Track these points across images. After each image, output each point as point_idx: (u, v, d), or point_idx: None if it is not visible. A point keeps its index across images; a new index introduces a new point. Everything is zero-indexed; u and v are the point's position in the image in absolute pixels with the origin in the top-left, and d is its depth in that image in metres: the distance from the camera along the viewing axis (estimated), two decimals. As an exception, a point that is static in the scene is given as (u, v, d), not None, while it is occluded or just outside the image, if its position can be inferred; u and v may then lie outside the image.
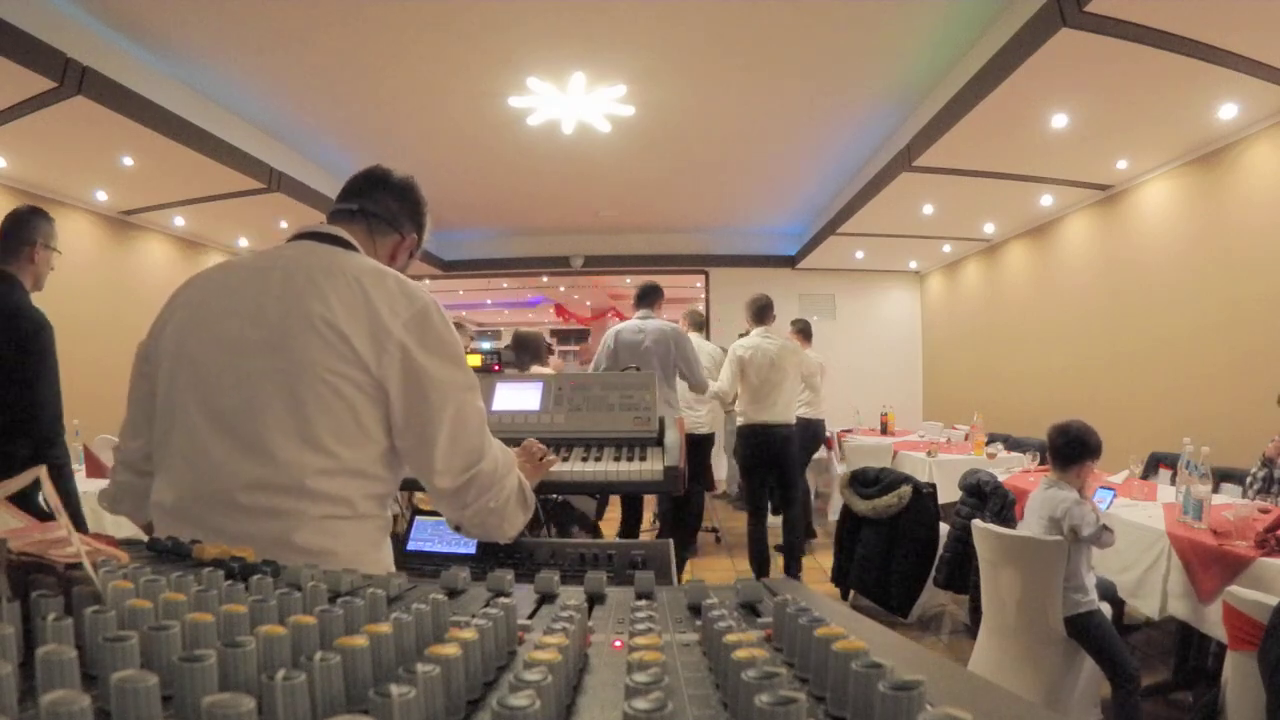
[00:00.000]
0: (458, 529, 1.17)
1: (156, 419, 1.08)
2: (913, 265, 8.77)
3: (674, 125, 5.16)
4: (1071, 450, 2.56)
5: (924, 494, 3.67)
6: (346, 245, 1.14)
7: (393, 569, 1.15)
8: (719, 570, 4.88)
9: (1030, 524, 2.59)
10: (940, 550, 3.51)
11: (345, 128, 5.17)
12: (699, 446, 4.91)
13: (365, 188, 1.23)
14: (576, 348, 13.92)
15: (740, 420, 4.55)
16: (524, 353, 3.66)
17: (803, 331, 5.69)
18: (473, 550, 1.61)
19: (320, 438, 0.99)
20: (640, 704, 0.30)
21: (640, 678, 0.34)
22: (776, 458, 4.41)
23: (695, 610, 0.57)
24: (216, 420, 1.01)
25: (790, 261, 8.68)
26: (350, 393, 1.01)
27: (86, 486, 3.43)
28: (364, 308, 1.02)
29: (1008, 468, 4.27)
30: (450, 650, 0.36)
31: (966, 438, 5.70)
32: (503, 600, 0.50)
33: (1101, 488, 2.79)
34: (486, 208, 7.57)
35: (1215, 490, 2.97)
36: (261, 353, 1.01)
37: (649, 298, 4.26)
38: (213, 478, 1.00)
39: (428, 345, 1.05)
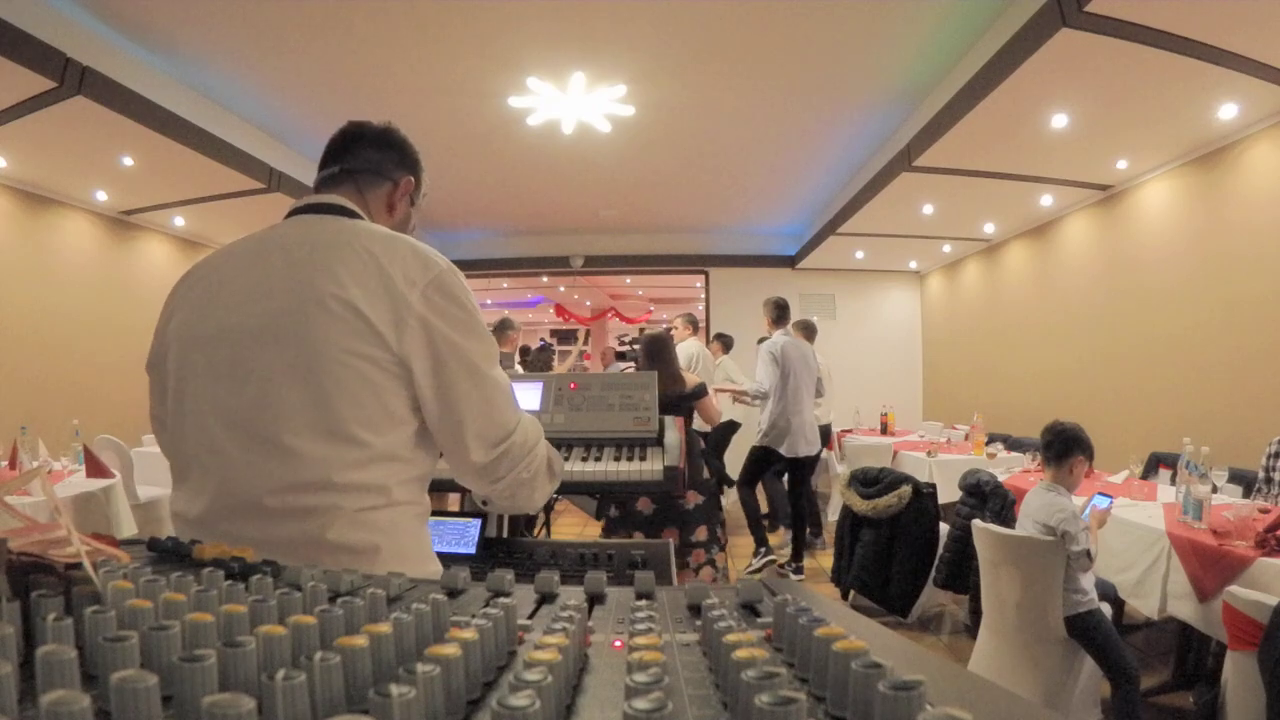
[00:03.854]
0: (485, 503, 1.14)
1: (170, 425, 1.02)
2: (913, 265, 8.78)
3: (674, 125, 5.16)
4: (1064, 445, 2.57)
5: (924, 494, 3.67)
6: (347, 213, 1.07)
7: (434, 557, 1.10)
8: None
9: (1025, 525, 2.59)
10: (940, 550, 3.51)
11: (345, 128, 5.17)
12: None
13: (342, 147, 1.15)
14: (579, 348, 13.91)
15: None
16: (657, 359, 3.41)
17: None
18: (473, 550, 1.61)
19: (347, 427, 0.92)
20: (640, 704, 0.30)
21: (640, 678, 0.34)
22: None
23: (695, 610, 0.57)
24: (232, 422, 0.94)
25: (790, 261, 8.68)
26: (374, 374, 0.93)
27: (86, 487, 3.44)
28: (379, 280, 0.94)
29: (1008, 468, 4.27)
30: (450, 650, 0.36)
31: (966, 438, 5.70)
32: (503, 600, 0.50)
33: (1100, 494, 2.79)
34: (486, 208, 7.57)
35: (1214, 490, 2.97)
36: (271, 342, 0.93)
37: (788, 315, 4.85)
38: (236, 485, 0.93)
39: (448, 316, 0.98)
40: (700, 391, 3.46)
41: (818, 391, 4.99)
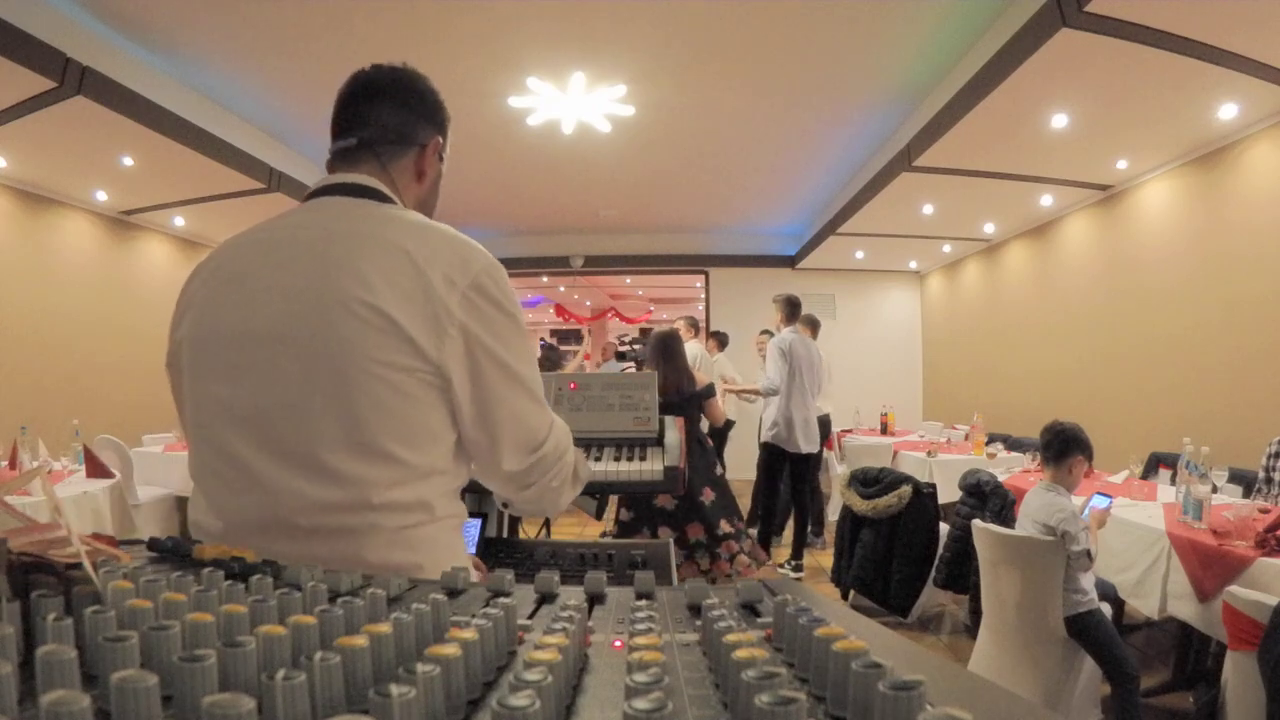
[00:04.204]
0: (505, 506, 1.11)
1: (187, 432, 0.95)
2: (913, 265, 8.78)
3: (674, 125, 5.16)
4: (1064, 445, 2.57)
5: (924, 494, 3.67)
6: (374, 195, 0.95)
7: (467, 563, 1.03)
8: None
9: (1025, 525, 2.59)
10: (940, 550, 3.51)
11: (345, 128, 5.18)
12: None
13: (356, 110, 1.01)
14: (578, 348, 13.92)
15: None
16: (668, 357, 3.38)
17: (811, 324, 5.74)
18: (473, 550, 1.61)
19: (383, 444, 0.84)
20: (640, 704, 0.30)
21: (640, 678, 0.34)
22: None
23: (695, 610, 0.57)
24: (257, 437, 0.85)
25: (790, 261, 8.68)
26: (411, 387, 0.85)
27: (86, 487, 3.44)
28: (414, 283, 0.85)
29: (1008, 468, 4.27)
30: (450, 650, 0.36)
31: (966, 438, 5.69)
32: (503, 600, 0.50)
33: (1099, 494, 2.79)
34: (486, 208, 7.57)
35: (1214, 490, 2.97)
36: (290, 348, 0.84)
37: (800, 313, 4.91)
38: (265, 504, 0.85)
39: (491, 322, 0.90)
40: (711, 391, 3.52)
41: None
